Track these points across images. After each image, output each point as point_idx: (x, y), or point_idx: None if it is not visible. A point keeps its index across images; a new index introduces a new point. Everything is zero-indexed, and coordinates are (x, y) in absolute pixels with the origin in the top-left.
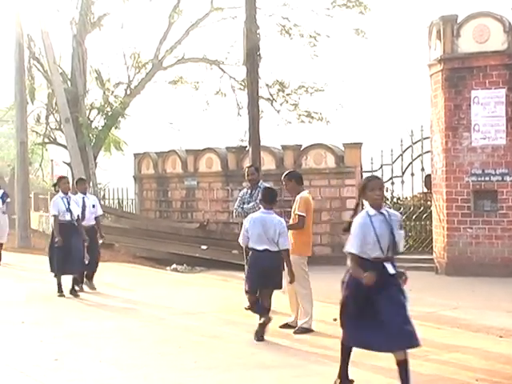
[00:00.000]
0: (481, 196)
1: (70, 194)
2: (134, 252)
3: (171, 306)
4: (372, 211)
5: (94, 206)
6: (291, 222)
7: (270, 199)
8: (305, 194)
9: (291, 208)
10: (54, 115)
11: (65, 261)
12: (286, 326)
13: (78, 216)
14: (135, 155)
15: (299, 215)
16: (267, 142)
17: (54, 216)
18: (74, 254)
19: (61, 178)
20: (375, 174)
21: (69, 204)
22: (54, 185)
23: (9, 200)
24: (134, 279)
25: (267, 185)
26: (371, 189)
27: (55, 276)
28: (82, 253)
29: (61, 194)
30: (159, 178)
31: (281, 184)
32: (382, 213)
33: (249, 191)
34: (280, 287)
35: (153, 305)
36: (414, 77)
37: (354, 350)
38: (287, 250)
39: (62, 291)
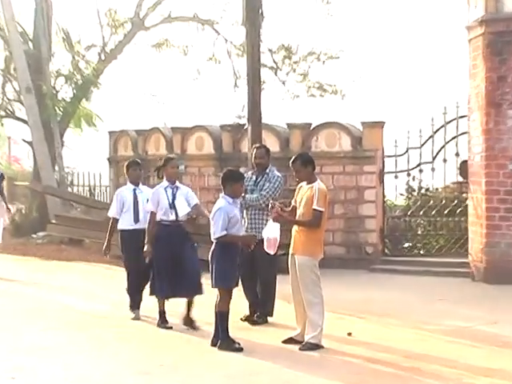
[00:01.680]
0: None
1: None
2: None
3: (152, 315)
4: None
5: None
6: (298, 216)
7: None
8: (322, 184)
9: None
10: (12, 83)
11: (177, 279)
12: (291, 340)
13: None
14: (110, 133)
15: (317, 210)
16: (270, 119)
17: (151, 213)
18: (189, 269)
19: (168, 160)
20: (399, 159)
21: (174, 198)
22: (157, 169)
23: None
24: (107, 282)
25: (277, 172)
26: None
27: (159, 300)
28: (198, 267)
29: (165, 182)
30: (140, 160)
31: (286, 170)
32: None
33: (253, 177)
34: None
35: (129, 313)
36: (450, 42)
37: None
38: (216, 240)
39: (166, 321)
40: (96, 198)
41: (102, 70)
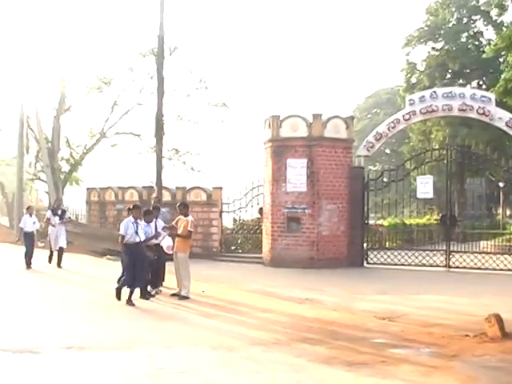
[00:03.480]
0: (291, 220)
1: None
2: (85, 247)
3: (101, 277)
4: None
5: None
6: (180, 231)
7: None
8: (192, 218)
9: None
10: (39, 162)
11: None
12: (174, 295)
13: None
14: (87, 189)
15: (190, 231)
16: (167, 183)
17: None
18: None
19: (135, 207)
20: (230, 205)
21: (137, 228)
22: (129, 210)
23: (67, 216)
24: (82, 263)
25: (164, 210)
26: None
27: None
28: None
29: (131, 218)
30: (101, 203)
31: (174, 209)
32: None
33: None
34: None
35: (89, 276)
36: (256, 150)
37: None
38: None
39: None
40: (79, 220)
41: (84, 157)
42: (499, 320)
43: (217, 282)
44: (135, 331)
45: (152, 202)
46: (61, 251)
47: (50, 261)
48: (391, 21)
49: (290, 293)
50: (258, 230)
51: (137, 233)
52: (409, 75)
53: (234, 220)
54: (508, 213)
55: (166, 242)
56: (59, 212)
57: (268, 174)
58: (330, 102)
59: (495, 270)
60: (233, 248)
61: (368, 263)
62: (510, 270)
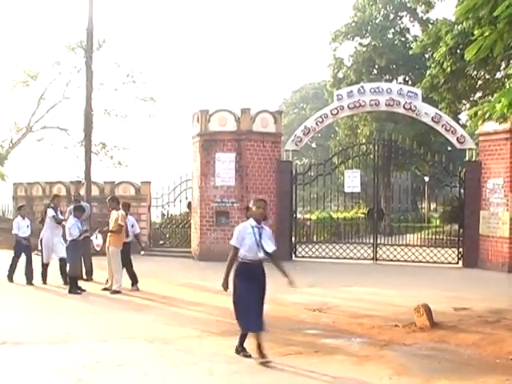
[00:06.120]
0: (220, 214)
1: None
2: (11, 242)
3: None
4: None
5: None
6: (111, 227)
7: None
8: (122, 212)
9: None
10: None
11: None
12: (105, 289)
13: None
14: (14, 184)
15: (120, 225)
16: (94, 178)
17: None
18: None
19: (256, 201)
20: (158, 200)
21: (260, 237)
22: (246, 208)
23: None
24: (7, 257)
25: (84, 203)
26: None
27: None
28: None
29: (252, 221)
30: (28, 198)
31: (103, 205)
32: None
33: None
34: None
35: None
36: (184, 144)
37: None
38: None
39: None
40: (5, 216)
41: (10, 152)
42: (428, 310)
43: (147, 276)
44: (69, 326)
45: (72, 198)
46: (63, 263)
47: (44, 280)
48: (318, 16)
49: (220, 286)
50: (186, 225)
51: (260, 245)
52: (336, 70)
53: (163, 214)
54: (432, 206)
55: (98, 240)
56: (58, 212)
57: (197, 168)
58: (257, 96)
59: (421, 262)
60: (161, 242)
61: (296, 256)
62: (435, 262)
